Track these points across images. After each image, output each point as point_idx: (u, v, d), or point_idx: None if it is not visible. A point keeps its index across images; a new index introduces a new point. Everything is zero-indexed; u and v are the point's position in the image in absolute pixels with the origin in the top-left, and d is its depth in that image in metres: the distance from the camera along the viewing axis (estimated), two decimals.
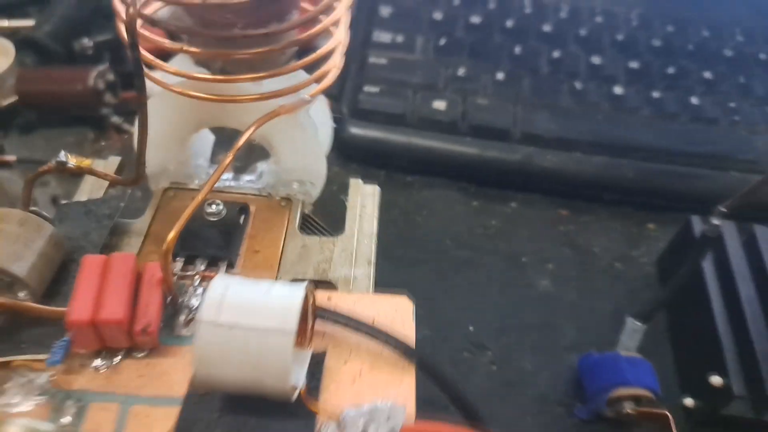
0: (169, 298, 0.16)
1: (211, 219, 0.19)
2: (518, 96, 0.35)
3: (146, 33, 0.18)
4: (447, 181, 0.33)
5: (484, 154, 0.33)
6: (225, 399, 0.15)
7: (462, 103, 0.34)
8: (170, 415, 0.15)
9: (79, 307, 0.15)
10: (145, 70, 0.17)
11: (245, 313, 0.14)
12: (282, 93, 0.19)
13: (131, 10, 0.14)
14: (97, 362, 0.16)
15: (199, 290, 0.17)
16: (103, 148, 0.33)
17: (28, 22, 0.37)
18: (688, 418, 0.25)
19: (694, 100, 0.35)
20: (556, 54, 0.37)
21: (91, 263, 0.16)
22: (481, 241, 0.31)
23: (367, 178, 0.25)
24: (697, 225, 0.28)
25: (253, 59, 0.18)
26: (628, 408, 0.23)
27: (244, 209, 0.20)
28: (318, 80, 0.19)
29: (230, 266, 0.18)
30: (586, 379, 0.25)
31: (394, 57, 0.36)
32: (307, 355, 0.16)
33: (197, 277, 0.17)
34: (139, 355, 0.16)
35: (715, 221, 0.23)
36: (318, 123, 0.21)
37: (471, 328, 0.28)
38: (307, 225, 0.21)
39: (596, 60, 0.37)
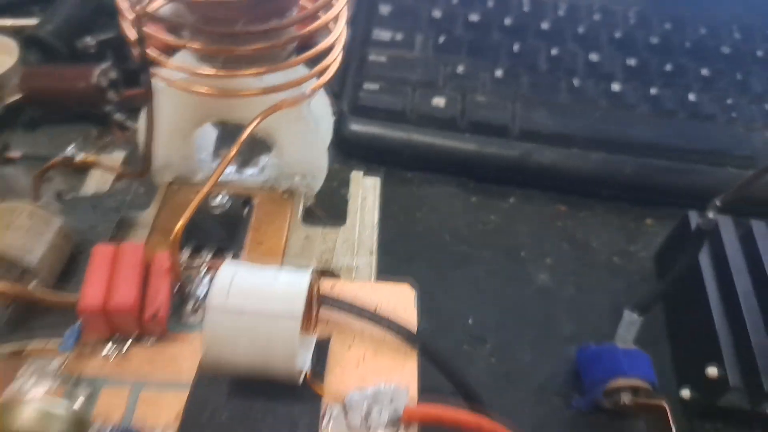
0: (176, 287, 0.17)
1: (216, 211, 0.20)
2: (517, 93, 0.35)
3: (149, 30, 0.18)
4: (446, 177, 0.34)
5: (483, 150, 0.33)
6: (232, 383, 0.15)
7: (461, 100, 0.34)
8: (179, 399, 0.15)
9: (90, 294, 0.15)
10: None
11: (253, 298, 0.14)
12: (283, 87, 0.19)
13: (138, 7, 0.15)
14: (107, 349, 0.16)
15: (206, 280, 0.18)
16: (107, 144, 0.34)
17: (32, 21, 0.37)
18: (685, 410, 0.25)
19: (691, 97, 0.35)
20: (554, 51, 0.37)
21: (101, 252, 0.16)
22: (480, 236, 0.32)
23: (368, 175, 0.25)
24: (695, 220, 0.28)
25: (255, 55, 0.18)
26: (626, 399, 0.23)
27: (247, 202, 0.21)
28: (318, 75, 0.20)
29: (235, 257, 0.19)
30: (583, 371, 0.25)
31: (393, 55, 0.36)
32: (312, 341, 0.16)
33: (203, 267, 0.18)
34: (148, 342, 0.17)
35: (711, 215, 0.24)
36: (319, 116, 0.22)
37: (470, 321, 0.28)
38: (310, 217, 0.22)
39: (594, 57, 0.37)
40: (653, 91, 0.36)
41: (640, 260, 0.31)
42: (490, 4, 0.41)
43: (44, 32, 0.36)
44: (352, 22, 0.21)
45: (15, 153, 0.32)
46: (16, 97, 0.33)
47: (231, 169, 0.22)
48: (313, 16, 0.19)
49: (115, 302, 0.15)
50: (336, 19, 0.20)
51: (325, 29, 0.20)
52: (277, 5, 0.18)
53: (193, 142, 0.21)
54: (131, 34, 0.17)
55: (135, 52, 0.18)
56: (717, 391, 0.24)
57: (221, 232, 0.19)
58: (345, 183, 0.29)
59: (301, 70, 0.20)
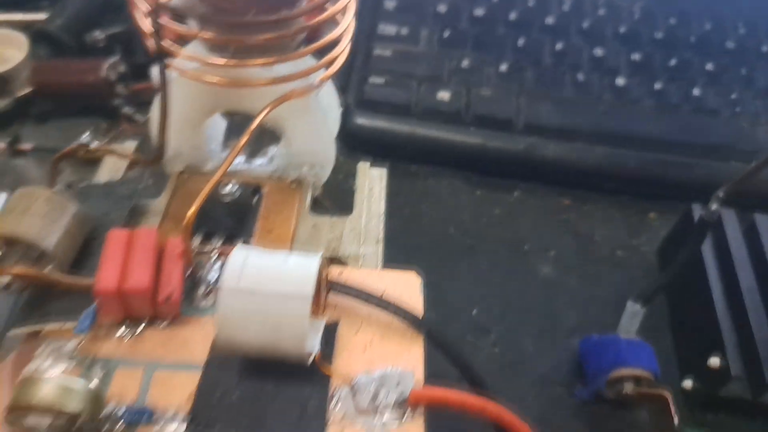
0: (188, 271, 0.17)
1: (226, 200, 0.20)
2: (521, 87, 0.35)
3: (162, 21, 0.18)
4: (451, 171, 0.34)
5: (488, 144, 0.33)
6: (243, 365, 0.16)
7: (466, 94, 0.34)
8: (192, 380, 0.16)
9: (106, 277, 0.16)
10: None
11: (265, 279, 0.14)
12: (292, 78, 0.19)
13: None
14: (121, 331, 0.17)
15: (216, 265, 0.18)
16: (116, 137, 0.34)
17: (41, 16, 0.38)
18: (687, 400, 0.25)
19: (696, 92, 0.36)
20: (559, 46, 0.38)
21: (116, 237, 0.17)
22: (484, 229, 0.32)
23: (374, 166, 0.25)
24: (698, 213, 0.28)
25: (265, 45, 0.18)
26: (628, 388, 0.24)
27: (257, 190, 0.21)
28: (326, 66, 0.20)
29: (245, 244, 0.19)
30: (586, 361, 0.26)
31: (398, 49, 0.37)
32: (321, 324, 0.16)
33: (214, 253, 0.18)
34: (161, 326, 0.17)
35: (714, 206, 0.24)
36: (327, 107, 0.22)
37: (474, 312, 0.28)
38: (317, 207, 0.22)
39: (599, 52, 0.37)
40: (658, 85, 0.36)
41: (643, 254, 0.31)
42: None
43: (53, 27, 0.37)
44: (357, 17, 0.21)
45: (26, 145, 0.33)
46: (27, 90, 0.34)
47: (240, 159, 0.23)
48: (322, 8, 0.19)
49: (130, 284, 0.16)
50: (344, 11, 0.20)
51: (333, 21, 0.20)
52: None
53: (204, 131, 0.22)
54: (145, 25, 0.18)
55: (149, 43, 0.18)
56: (719, 381, 0.24)
57: (231, 220, 0.20)
58: (351, 176, 0.30)
59: (310, 61, 0.20)
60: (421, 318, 0.17)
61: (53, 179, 0.19)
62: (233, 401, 0.15)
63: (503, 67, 0.36)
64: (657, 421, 0.25)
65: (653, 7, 0.41)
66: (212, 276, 0.18)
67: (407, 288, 0.18)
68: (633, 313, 0.25)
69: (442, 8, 0.40)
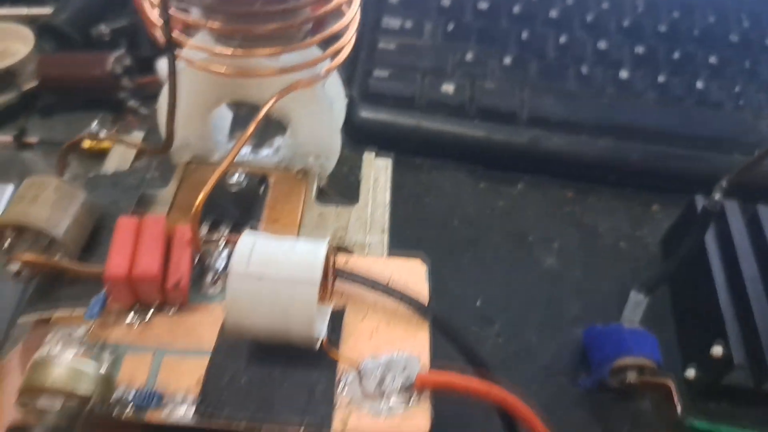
0: (196, 258, 0.17)
1: (233, 189, 0.20)
2: (525, 80, 0.35)
3: (171, 11, 0.18)
4: (455, 163, 0.34)
5: (492, 136, 0.33)
6: (251, 349, 0.16)
7: (470, 86, 0.34)
8: (200, 365, 0.16)
9: (115, 263, 0.16)
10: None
11: (273, 264, 0.15)
12: (299, 68, 0.19)
13: None
14: (131, 318, 0.17)
15: (224, 253, 0.18)
16: (122, 129, 0.34)
17: (47, 10, 0.38)
18: (690, 389, 0.25)
19: (699, 85, 0.36)
20: (562, 39, 0.38)
21: (125, 224, 0.17)
22: (488, 221, 0.32)
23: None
24: (701, 204, 0.28)
25: (271, 35, 0.18)
26: (631, 377, 0.24)
27: (263, 180, 0.21)
28: (332, 56, 0.20)
29: None
30: (590, 350, 0.26)
31: (403, 42, 0.37)
32: (328, 310, 0.17)
33: (222, 241, 0.18)
34: (170, 312, 0.17)
35: (717, 196, 0.24)
36: (332, 98, 0.22)
37: (478, 302, 0.28)
38: (323, 198, 0.22)
39: (602, 45, 0.37)
40: (661, 78, 0.36)
41: (646, 245, 0.32)
42: None
43: (59, 20, 0.37)
44: (362, 10, 0.21)
45: (32, 138, 0.33)
46: (33, 84, 0.34)
47: (246, 150, 0.23)
48: None
49: (139, 270, 0.16)
50: (349, 1, 0.20)
51: (339, 12, 0.20)
52: None
53: (211, 122, 0.22)
54: (153, 15, 0.18)
55: (156, 33, 0.18)
56: (721, 369, 0.24)
57: (238, 209, 0.20)
58: (355, 169, 0.30)
59: (316, 52, 0.21)
60: (426, 304, 0.17)
61: (62, 168, 0.19)
62: (242, 385, 0.16)
63: (507, 60, 0.36)
64: (660, 410, 0.25)
65: (656, 0, 0.41)
66: (220, 264, 0.18)
67: (413, 275, 0.18)
68: (636, 303, 0.26)
69: (445, 1, 0.40)
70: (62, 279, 0.17)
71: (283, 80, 0.19)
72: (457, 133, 0.34)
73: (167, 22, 0.15)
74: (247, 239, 0.15)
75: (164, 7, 0.15)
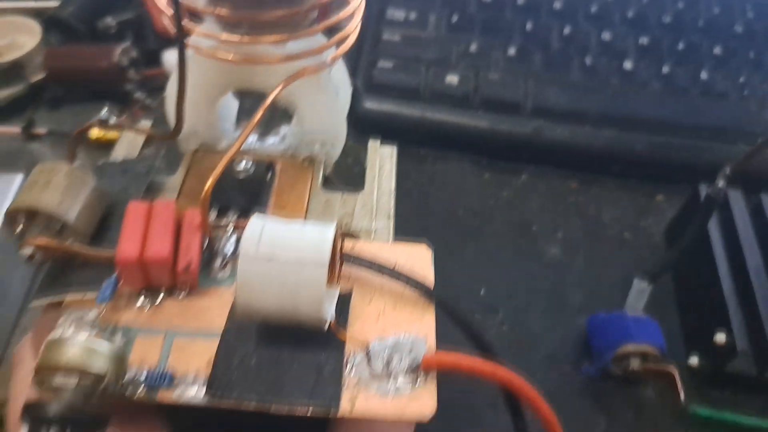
0: (206, 243, 0.18)
1: (241, 176, 0.21)
2: (529, 71, 0.35)
3: None
4: (459, 154, 0.34)
5: (496, 127, 0.34)
6: (261, 331, 0.16)
7: (474, 77, 0.35)
8: (210, 347, 0.16)
9: (127, 246, 0.16)
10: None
11: (282, 246, 0.15)
12: (305, 55, 0.20)
13: None
14: (141, 301, 0.17)
15: (232, 238, 0.18)
16: (129, 120, 0.35)
17: (53, 3, 0.38)
18: (693, 377, 0.26)
19: (703, 75, 0.36)
20: (566, 30, 0.38)
21: (136, 209, 0.17)
22: (492, 211, 0.32)
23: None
24: (705, 192, 0.28)
25: (278, 22, 0.19)
26: (635, 364, 0.24)
27: (270, 167, 0.22)
28: (338, 44, 0.21)
29: None
30: (593, 337, 0.26)
31: (407, 34, 0.37)
32: (335, 293, 0.17)
33: (230, 226, 0.19)
34: (180, 296, 0.17)
35: (720, 183, 0.24)
36: (338, 85, 0.22)
37: (482, 291, 0.29)
38: (329, 185, 0.22)
39: (607, 36, 0.37)
40: (665, 69, 0.36)
41: (651, 235, 0.32)
42: None
43: (65, 13, 0.37)
44: (366, 1, 0.22)
45: (40, 129, 0.33)
46: (40, 76, 0.34)
47: (253, 138, 0.23)
48: None
49: (150, 253, 0.16)
50: None
51: (344, 0, 0.20)
52: None
53: (217, 110, 0.22)
54: (161, 2, 0.18)
55: (165, 21, 0.18)
56: (725, 357, 0.24)
57: (245, 196, 0.20)
58: (359, 160, 0.30)
59: (321, 39, 0.21)
60: (432, 288, 0.17)
61: (71, 156, 0.20)
62: (251, 367, 0.16)
63: (511, 51, 0.36)
64: (663, 397, 0.25)
65: None
66: (228, 248, 0.18)
67: (419, 259, 0.18)
68: (640, 291, 0.26)
69: None
70: (73, 263, 0.18)
71: (290, 67, 0.20)
72: (462, 123, 0.34)
73: (177, 8, 0.15)
74: (256, 222, 0.16)
75: None
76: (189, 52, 0.19)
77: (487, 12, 0.39)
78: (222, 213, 0.20)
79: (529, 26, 0.38)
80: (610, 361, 0.24)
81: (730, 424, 0.24)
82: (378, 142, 0.24)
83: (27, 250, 0.17)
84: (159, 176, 0.21)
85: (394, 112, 0.34)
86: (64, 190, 0.17)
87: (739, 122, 0.34)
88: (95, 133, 0.32)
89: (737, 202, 0.28)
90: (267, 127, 0.24)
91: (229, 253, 0.18)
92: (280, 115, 0.25)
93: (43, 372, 0.14)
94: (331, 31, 0.21)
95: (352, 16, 0.20)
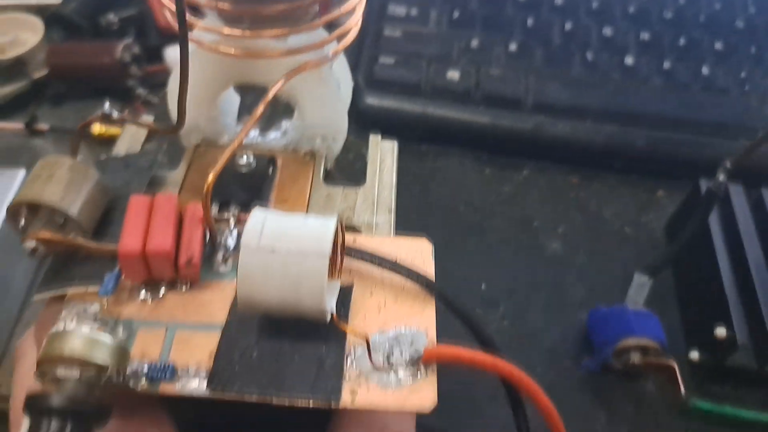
0: (208, 236, 0.18)
1: (243, 170, 0.21)
2: (530, 66, 0.35)
3: None
4: (460, 150, 0.34)
5: (497, 122, 0.34)
6: (262, 324, 0.16)
7: (475, 73, 0.35)
8: (212, 339, 0.16)
9: (129, 240, 0.16)
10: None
11: (284, 238, 0.15)
12: (306, 49, 0.20)
13: None
14: (143, 295, 0.17)
15: (234, 232, 0.19)
16: (131, 116, 0.35)
17: (56, 0, 0.38)
18: (694, 371, 0.26)
19: (705, 71, 0.36)
20: (568, 26, 0.38)
21: (138, 202, 0.17)
22: (493, 206, 0.32)
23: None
24: (706, 187, 0.28)
25: (279, 16, 0.19)
26: (635, 358, 0.24)
27: (272, 161, 0.22)
28: (339, 38, 0.21)
29: None
30: (594, 331, 0.26)
31: (408, 30, 0.37)
32: (336, 286, 0.17)
33: (232, 220, 0.19)
34: (182, 289, 0.18)
35: (721, 177, 0.24)
36: (340, 80, 0.22)
37: (483, 286, 0.29)
38: (330, 180, 0.23)
39: (608, 31, 0.37)
40: (666, 64, 0.36)
41: (651, 230, 0.32)
42: None
43: (68, 10, 0.37)
44: None
45: (43, 125, 0.33)
46: (42, 72, 0.35)
47: (254, 133, 0.23)
48: None
49: (153, 246, 0.16)
50: None
51: None
52: None
53: (219, 104, 0.22)
54: None
55: (167, 15, 0.18)
56: (725, 351, 0.24)
57: (247, 190, 0.20)
58: (361, 155, 0.30)
59: (323, 34, 0.21)
60: (433, 281, 0.17)
61: (75, 151, 0.20)
62: (253, 359, 0.16)
63: (512, 47, 0.36)
64: (664, 391, 0.25)
65: None
66: (230, 242, 0.18)
67: (419, 253, 0.18)
68: (640, 285, 0.26)
69: None
70: (76, 257, 0.18)
71: (291, 62, 0.20)
72: (463, 119, 0.34)
73: (179, 2, 0.15)
74: (258, 214, 0.16)
75: None
76: (191, 47, 0.19)
77: (488, 8, 0.39)
78: (224, 207, 0.20)
79: (530, 22, 0.38)
80: (610, 355, 0.24)
81: (731, 418, 0.24)
82: (379, 136, 0.24)
83: (30, 244, 0.17)
84: (161, 171, 0.21)
85: (395, 107, 0.34)
86: (66, 184, 0.17)
87: (740, 118, 0.34)
88: (98, 128, 0.32)
89: (738, 196, 0.28)
90: (268, 121, 0.24)
91: (230, 247, 0.18)
92: (281, 109, 0.25)
93: (46, 363, 0.14)
94: (332, 26, 0.21)
95: (353, 10, 0.20)
